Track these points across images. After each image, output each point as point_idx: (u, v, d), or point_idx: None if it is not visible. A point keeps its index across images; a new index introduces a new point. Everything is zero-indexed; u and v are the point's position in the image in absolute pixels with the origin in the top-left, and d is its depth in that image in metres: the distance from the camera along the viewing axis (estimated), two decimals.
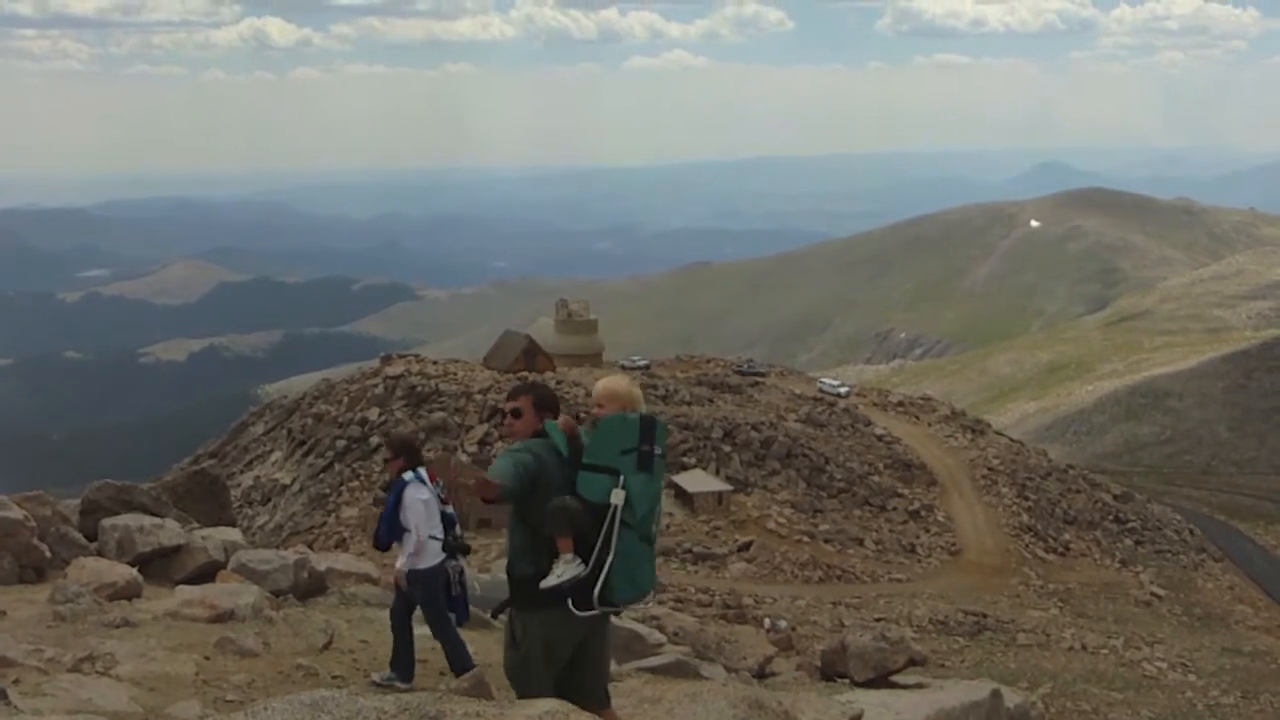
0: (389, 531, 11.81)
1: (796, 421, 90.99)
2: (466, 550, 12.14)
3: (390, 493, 11.83)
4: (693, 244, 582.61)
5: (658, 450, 7.50)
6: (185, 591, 15.32)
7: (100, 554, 17.36)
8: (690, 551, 67.49)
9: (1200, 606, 70.87)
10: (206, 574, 17.60)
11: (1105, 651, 55.64)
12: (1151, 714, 43.48)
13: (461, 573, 12.22)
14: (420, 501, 11.87)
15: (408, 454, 12.04)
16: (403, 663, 12.18)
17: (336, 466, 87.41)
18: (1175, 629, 64.13)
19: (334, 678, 12.49)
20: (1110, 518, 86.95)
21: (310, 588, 17.52)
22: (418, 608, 12.20)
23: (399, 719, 5.76)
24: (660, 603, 48.29)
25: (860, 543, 73.36)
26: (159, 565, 17.66)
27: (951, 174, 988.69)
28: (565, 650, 7.77)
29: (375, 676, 12.13)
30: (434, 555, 11.90)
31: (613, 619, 7.89)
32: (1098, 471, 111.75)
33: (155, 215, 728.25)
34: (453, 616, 12.29)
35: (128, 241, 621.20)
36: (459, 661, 12.16)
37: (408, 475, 11.85)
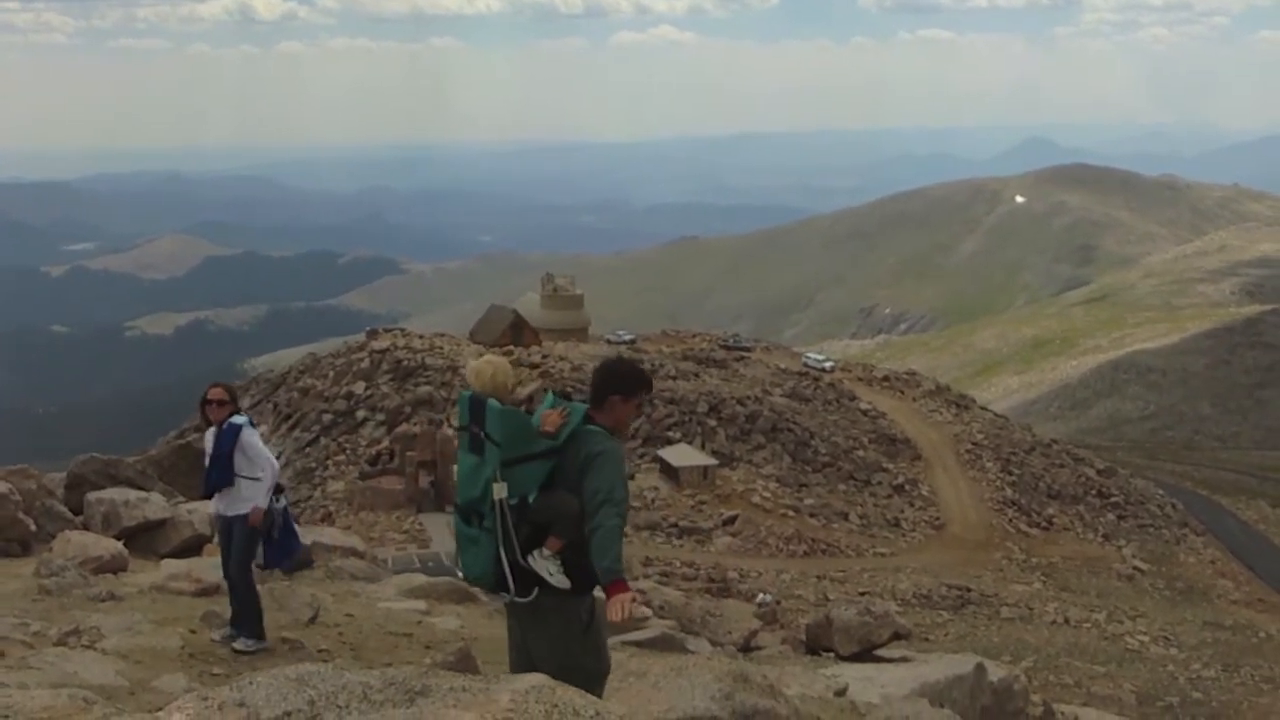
0: (222, 475, 11.76)
1: (781, 396, 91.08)
2: (281, 490, 12.16)
3: (220, 438, 11.78)
4: (679, 219, 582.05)
5: (486, 432, 7.37)
6: (171, 565, 15.37)
7: (86, 528, 17.41)
8: (675, 526, 67.61)
9: (1182, 581, 71.14)
10: (192, 547, 17.65)
11: (1088, 625, 55.91)
12: (1134, 687, 43.72)
13: (284, 514, 12.20)
14: (260, 439, 11.97)
15: (235, 400, 12.09)
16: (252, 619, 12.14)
17: (322, 440, 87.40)
18: (1157, 603, 64.41)
19: (320, 651, 12.54)
20: (1093, 492, 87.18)
21: (297, 561, 17.54)
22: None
23: (385, 693, 5.79)
24: (646, 576, 48.44)
25: (845, 517, 73.53)
26: (144, 539, 17.71)
27: (936, 150, 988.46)
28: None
29: (239, 644, 12.00)
30: (260, 495, 11.92)
31: None
32: (1081, 446, 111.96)
33: (141, 189, 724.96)
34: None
35: (113, 215, 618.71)
36: (249, 620, 12.08)
37: (238, 419, 11.86)
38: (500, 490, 7.16)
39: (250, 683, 5.89)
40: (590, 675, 7.28)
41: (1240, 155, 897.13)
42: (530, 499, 7.20)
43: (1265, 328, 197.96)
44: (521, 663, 7.61)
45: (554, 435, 7.27)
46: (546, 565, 7.16)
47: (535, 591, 7.23)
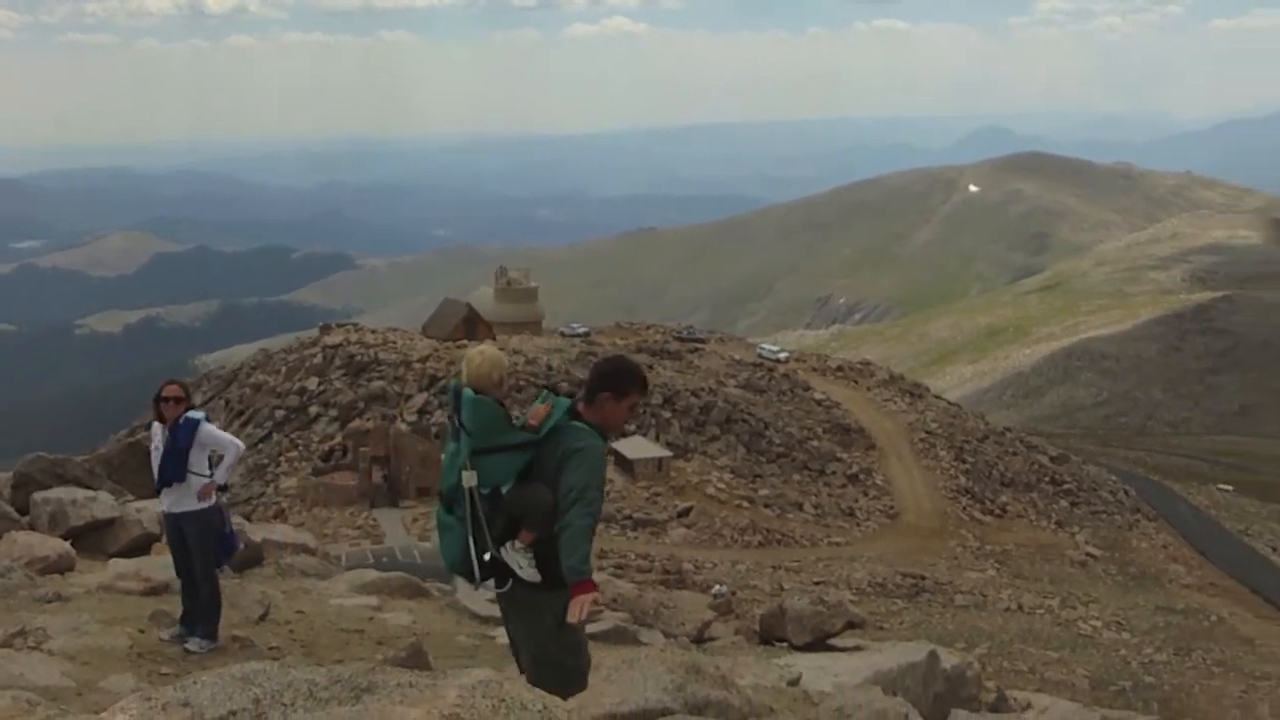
0: (177, 469, 11.72)
1: (736, 387, 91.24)
2: (225, 489, 12.16)
3: (177, 432, 11.74)
4: (634, 211, 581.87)
5: (461, 420, 7.40)
6: (119, 565, 15.24)
7: (32, 528, 17.23)
8: (630, 518, 67.62)
9: (1135, 566, 71.64)
10: (141, 547, 17.50)
11: (1042, 611, 56.25)
12: (1087, 672, 44.02)
13: (222, 508, 12.22)
14: (218, 430, 11.98)
15: (190, 397, 12.08)
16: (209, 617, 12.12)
17: (275, 436, 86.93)
18: (1110, 588, 64.85)
19: (270, 648, 12.48)
20: (1046, 479, 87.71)
21: (246, 559, 17.46)
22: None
23: (330, 690, 5.76)
24: (600, 569, 48.40)
25: (799, 507, 73.70)
26: (92, 538, 17.56)
27: (892, 140, 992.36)
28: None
29: (192, 645, 11.95)
30: (219, 476, 11.91)
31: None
32: (1035, 434, 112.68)
33: (90, 185, 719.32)
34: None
35: (62, 212, 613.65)
36: (207, 620, 12.05)
37: (194, 414, 11.85)
38: (469, 479, 7.20)
39: (195, 682, 5.86)
40: (566, 671, 7.26)
41: (1193, 143, 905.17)
42: (504, 490, 7.20)
43: (1216, 314, 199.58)
44: (514, 653, 7.71)
45: (536, 429, 7.26)
46: (517, 558, 7.16)
47: (510, 583, 7.23)
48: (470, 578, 7.35)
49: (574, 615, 6.75)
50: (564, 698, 7.24)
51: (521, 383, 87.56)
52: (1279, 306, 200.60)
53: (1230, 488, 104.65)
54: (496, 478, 7.21)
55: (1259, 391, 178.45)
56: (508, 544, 7.17)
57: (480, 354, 7.60)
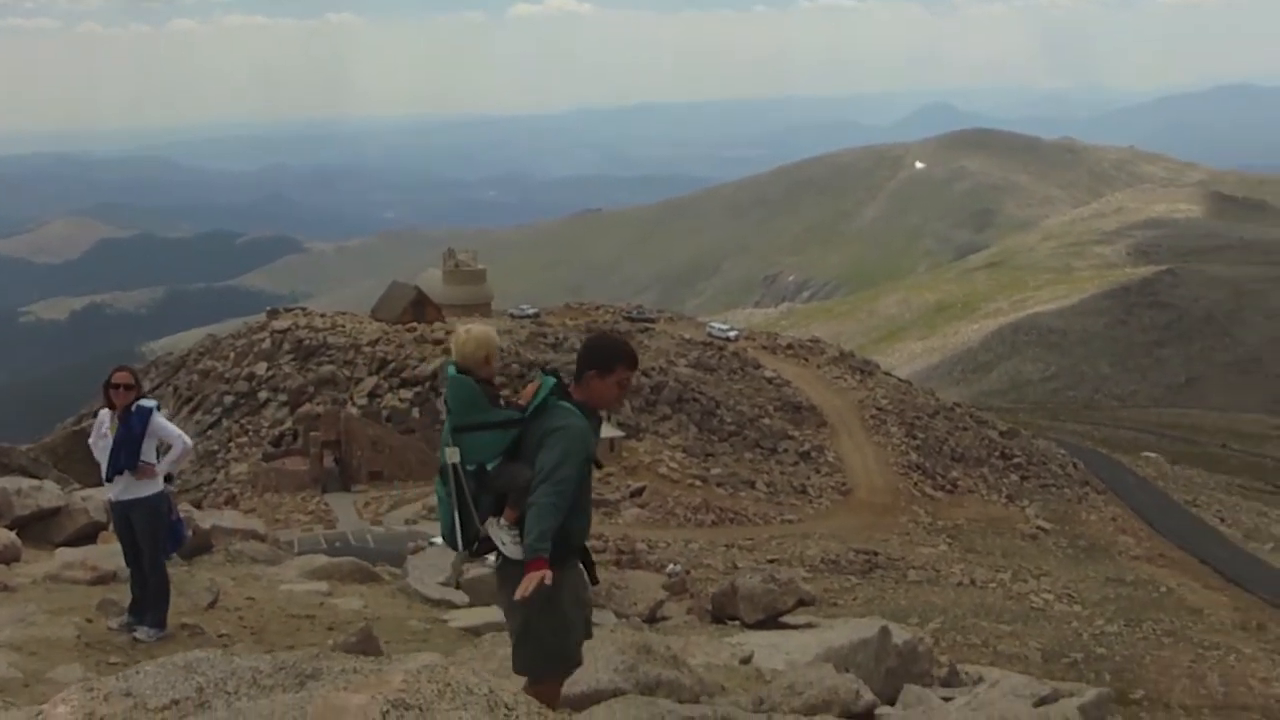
0: (129, 458, 11.63)
1: (686, 366, 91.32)
2: (171, 478, 12.08)
3: (129, 420, 11.63)
4: (581, 191, 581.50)
5: (445, 399, 7.49)
6: (66, 554, 15.10)
7: None
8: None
9: (1084, 538, 72.11)
10: (88, 535, 17.36)
11: (993, 585, 56.55)
12: (1039, 644, 44.29)
13: (171, 498, 12.16)
14: (168, 423, 11.89)
15: (140, 384, 11.98)
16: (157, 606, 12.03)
17: (224, 423, 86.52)
18: (1061, 561, 65.25)
19: (220, 636, 12.39)
20: (997, 454, 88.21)
21: (195, 546, 17.32)
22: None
23: (275, 678, 5.71)
24: None
25: (752, 485, 73.86)
26: (38, 528, 17.39)
27: (838, 117, 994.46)
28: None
29: (140, 633, 11.85)
30: (157, 481, 11.81)
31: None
32: (984, 409, 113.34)
33: (32, 172, 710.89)
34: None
35: (4, 199, 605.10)
36: (156, 608, 11.96)
37: (147, 402, 11.74)
38: (451, 455, 7.19)
39: (137, 672, 5.79)
40: (548, 650, 7.20)
41: (1135, 117, 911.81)
42: (489, 467, 7.17)
43: (1161, 287, 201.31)
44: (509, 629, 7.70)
45: (524, 407, 7.23)
46: (501, 535, 7.13)
47: (499, 557, 7.20)
48: (457, 549, 7.37)
49: (520, 593, 6.72)
50: (547, 676, 7.22)
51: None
52: (1221, 280, 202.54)
53: (1155, 455, 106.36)
54: (480, 455, 7.20)
55: (1203, 364, 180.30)
56: (493, 520, 7.14)
57: (466, 332, 7.62)
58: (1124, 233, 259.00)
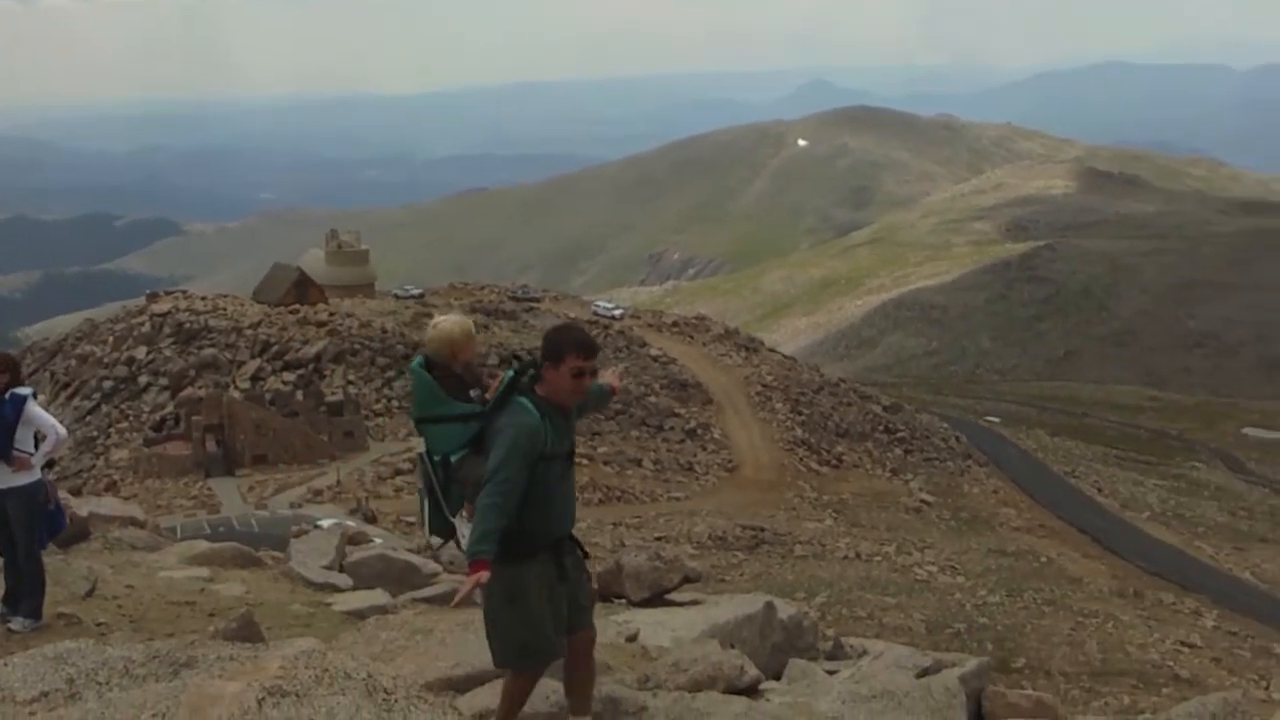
0: (2, 447, 11.42)
1: None
2: (51, 465, 11.92)
3: (2, 407, 11.43)
4: (465, 171, 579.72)
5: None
6: None
7: None
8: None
9: (967, 511, 73.06)
10: None
11: (879, 558, 57.13)
12: (923, 616, 44.83)
13: (52, 485, 11.98)
14: (44, 412, 11.68)
15: (14, 371, 11.75)
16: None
17: (104, 408, 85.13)
18: (944, 533, 66.06)
19: (98, 624, 12.15)
20: (881, 429, 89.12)
21: (72, 534, 16.98)
22: None
23: (148, 667, 5.59)
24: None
25: (639, 463, 73.97)
26: None
27: (721, 95, 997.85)
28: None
29: (15, 624, 11.63)
30: (34, 470, 11.63)
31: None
32: (868, 384, 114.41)
33: None
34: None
35: None
36: (32, 598, 11.77)
37: (22, 390, 11.53)
38: (418, 445, 7.27)
39: (6, 664, 5.66)
40: (518, 643, 7.05)
41: (1013, 94, 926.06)
42: (453, 459, 7.13)
43: (1040, 262, 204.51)
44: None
45: (488, 401, 7.13)
46: (462, 528, 7.06)
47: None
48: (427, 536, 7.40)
49: (456, 598, 6.67)
50: (517, 669, 7.12)
51: (356, 346, 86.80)
52: (1098, 255, 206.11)
53: (997, 419, 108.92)
54: (442, 446, 7.17)
55: (1081, 338, 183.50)
56: (460, 513, 7.08)
57: (435, 325, 7.60)
58: (1002, 209, 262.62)
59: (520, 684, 7.13)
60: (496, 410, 7.02)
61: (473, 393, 7.27)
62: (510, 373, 7.11)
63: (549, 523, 6.99)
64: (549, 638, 7.04)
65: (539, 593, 6.97)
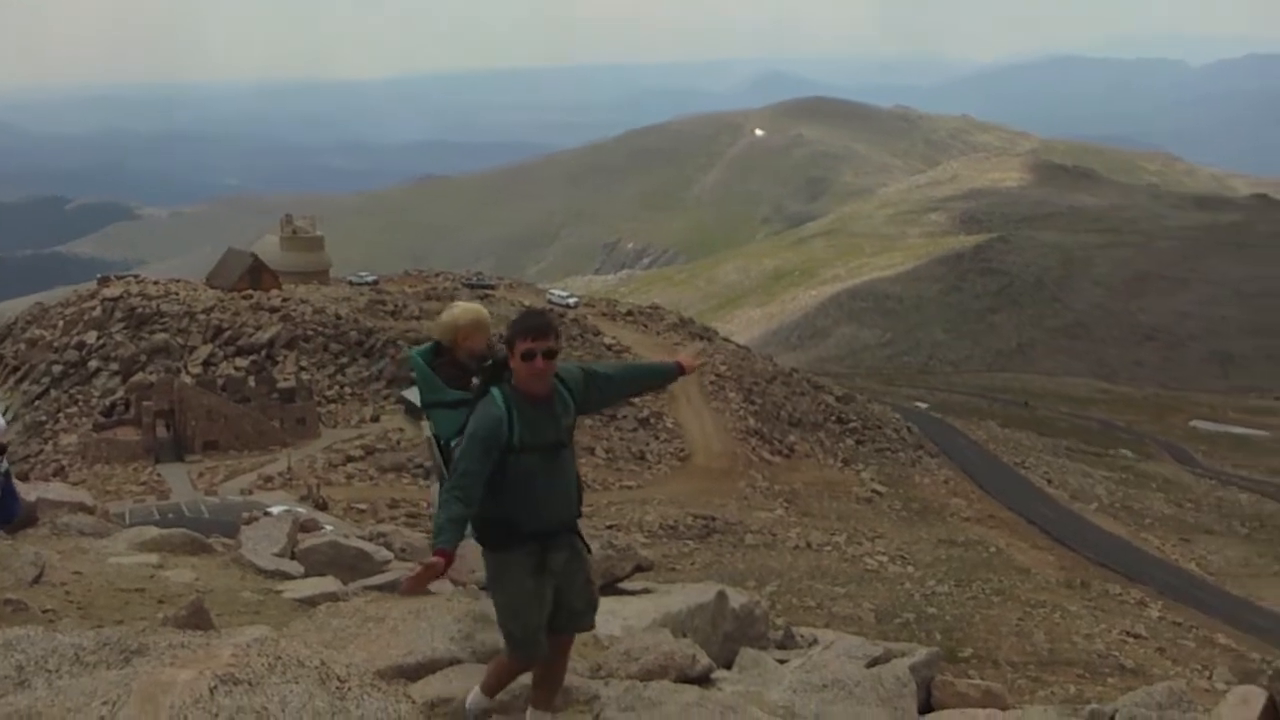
0: None
1: None
2: (2, 451, 11.86)
3: None
4: (423, 158, 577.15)
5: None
6: None
7: None
8: (422, 466, 67.09)
9: (918, 501, 73.39)
10: None
11: (829, 548, 57.31)
12: (873, 605, 45.06)
13: (6, 476, 11.90)
14: None
15: None
16: None
17: (53, 392, 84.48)
18: (895, 523, 66.33)
19: (45, 611, 12.07)
20: (833, 419, 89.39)
21: (19, 520, 16.84)
22: None
23: (99, 654, 5.57)
24: (392, 519, 48.13)
25: (591, 451, 73.93)
26: None
27: (679, 85, 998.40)
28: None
29: None
30: None
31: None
32: (821, 374, 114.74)
33: None
34: None
35: None
36: None
37: None
38: (426, 428, 7.55)
39: None
40: (501, 628, 7.09)
41: (970, 87, 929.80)
42: (452, 444, 7.20)
43: (993, 254, 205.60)
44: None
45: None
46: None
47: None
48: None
49: (404, 585, 6.68)
50: (507, 654, 7.09)
51: (309, 333, 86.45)
52: (1051, 247, 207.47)
53: (925, 405, 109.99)
54: (442, 431, 7.43)
55: (1034, 329, 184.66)
56: None
57: (447, 311, 7.58)
58: (957, 200, 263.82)
59: (510, 666, 7.12)
60: (477, 400, 7.05)
61: (475, 380, 7.27)
62: (490, 363, 7.12)
63: (530, 515, 6.89)
64: (529, 628, 7.03)
65: (520, 582, 6.95)
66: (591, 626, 7.03)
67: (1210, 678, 39.49)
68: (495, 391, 6.84)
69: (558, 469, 6.89)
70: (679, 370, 7.37)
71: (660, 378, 7.67)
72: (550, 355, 6.66)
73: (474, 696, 7.24)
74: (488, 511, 6.82)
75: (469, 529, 7.00)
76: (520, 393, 6.74)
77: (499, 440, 6.68)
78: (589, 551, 7.22)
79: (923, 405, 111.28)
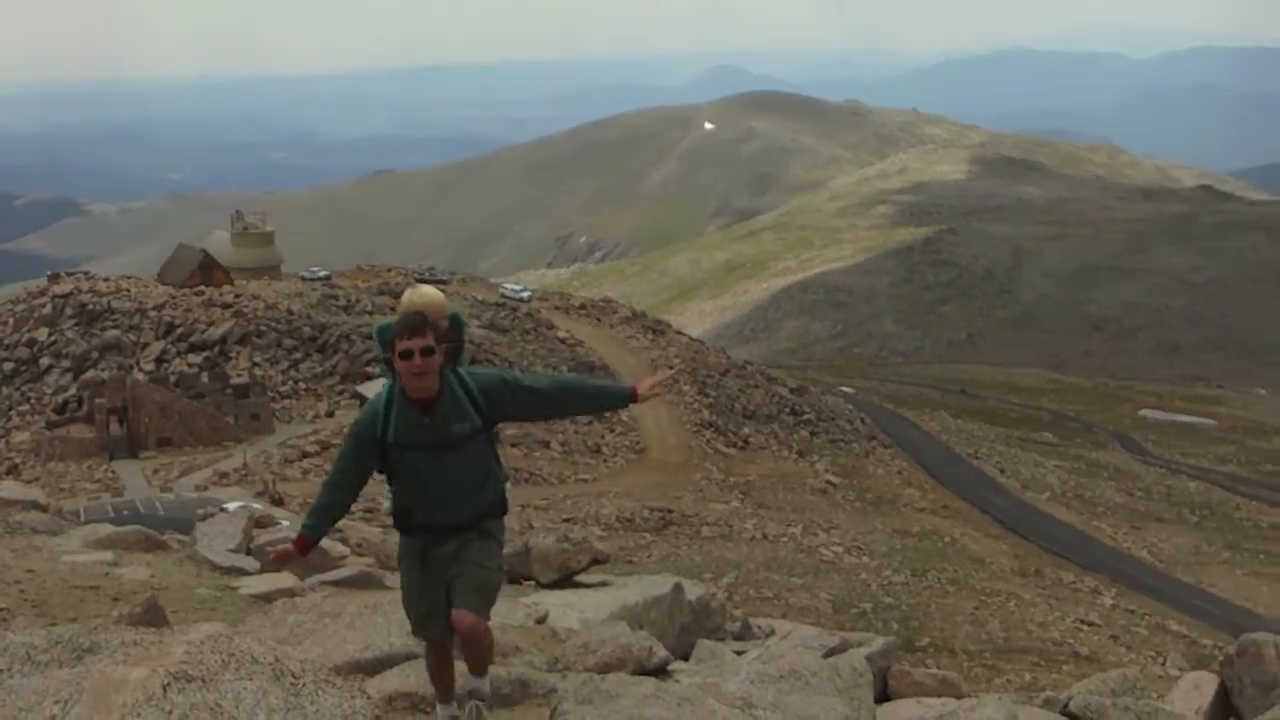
0: None
1: (480, 328, 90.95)
2: None
3: None
4: (373, 153, 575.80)
5: None
6: None
7: None
8: None
9: (872, 492, 73.65)
10: None
11: (785, 539, 57.41)
12: (829, 596, 45.19)
13: None
14: None
15: None
16: None
17: (5, 390, 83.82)
18: (850, 514, 66.52)
19: None
20: (787, 410, 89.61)
21: None
22: None
23: (50, 652, 5.52)
24: (350, 514, 47.92)
25: (546, 445, 73.84)
26: None
27: (630, 79, 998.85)
28: None
29: None
30: None
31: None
32: (774, 366, 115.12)
33: None
34: None
35: None
36: None
37: None
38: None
39: None
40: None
41: (919, 80, 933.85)
42: None
43: (943, 246, 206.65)
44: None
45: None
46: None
47: None
48: None
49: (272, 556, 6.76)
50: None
51: (262, 328, 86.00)
52: (1000, 239, 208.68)
53: (852, 390, 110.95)
54: None
55: (983, 320, 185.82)
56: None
57: (406, 293, 7.53)
58: (906, 193, 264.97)
59: (426, 650, 7.14)
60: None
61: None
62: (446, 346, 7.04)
63: (419, 508, 6.91)
64: (414, 610, 7.06)
65: (408, 570, 7.02)
66: (472, 608, 6.79)
67: (1164, 664, 39.82)
68: (385, 389, 6.86)
69: (444, 469, 6.87)
70: (632, 397, 7.15)
71: (609, 401, 7.58)
72: (427, 353, 6.61)
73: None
74: (395, 498, 6.98)
75: (389, 504, 7.08)
76: (406, 392, 6.74)
77: (372, 435, 6.77)
78: (499, 545, 7.27)
79: (849, 390, 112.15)
